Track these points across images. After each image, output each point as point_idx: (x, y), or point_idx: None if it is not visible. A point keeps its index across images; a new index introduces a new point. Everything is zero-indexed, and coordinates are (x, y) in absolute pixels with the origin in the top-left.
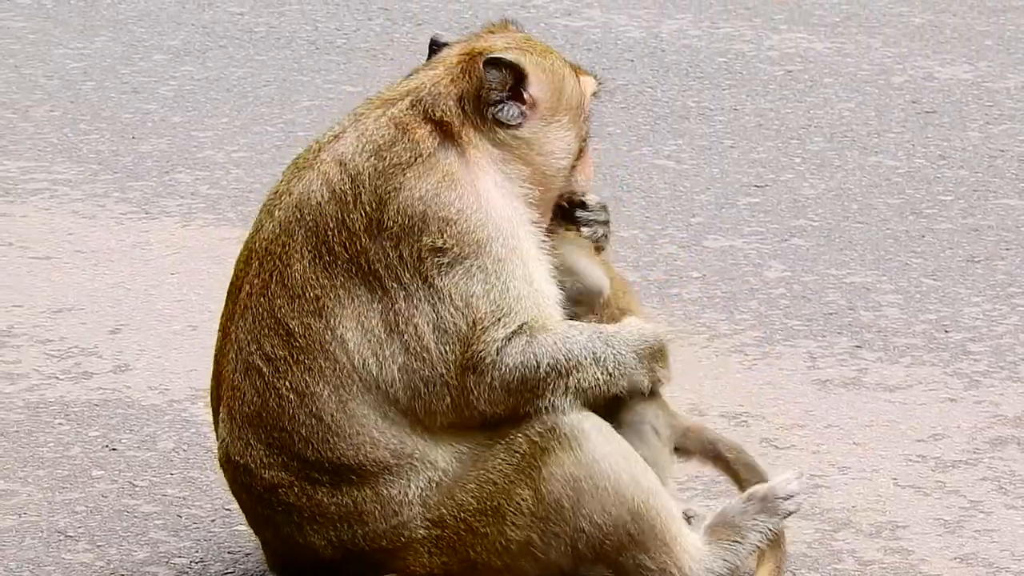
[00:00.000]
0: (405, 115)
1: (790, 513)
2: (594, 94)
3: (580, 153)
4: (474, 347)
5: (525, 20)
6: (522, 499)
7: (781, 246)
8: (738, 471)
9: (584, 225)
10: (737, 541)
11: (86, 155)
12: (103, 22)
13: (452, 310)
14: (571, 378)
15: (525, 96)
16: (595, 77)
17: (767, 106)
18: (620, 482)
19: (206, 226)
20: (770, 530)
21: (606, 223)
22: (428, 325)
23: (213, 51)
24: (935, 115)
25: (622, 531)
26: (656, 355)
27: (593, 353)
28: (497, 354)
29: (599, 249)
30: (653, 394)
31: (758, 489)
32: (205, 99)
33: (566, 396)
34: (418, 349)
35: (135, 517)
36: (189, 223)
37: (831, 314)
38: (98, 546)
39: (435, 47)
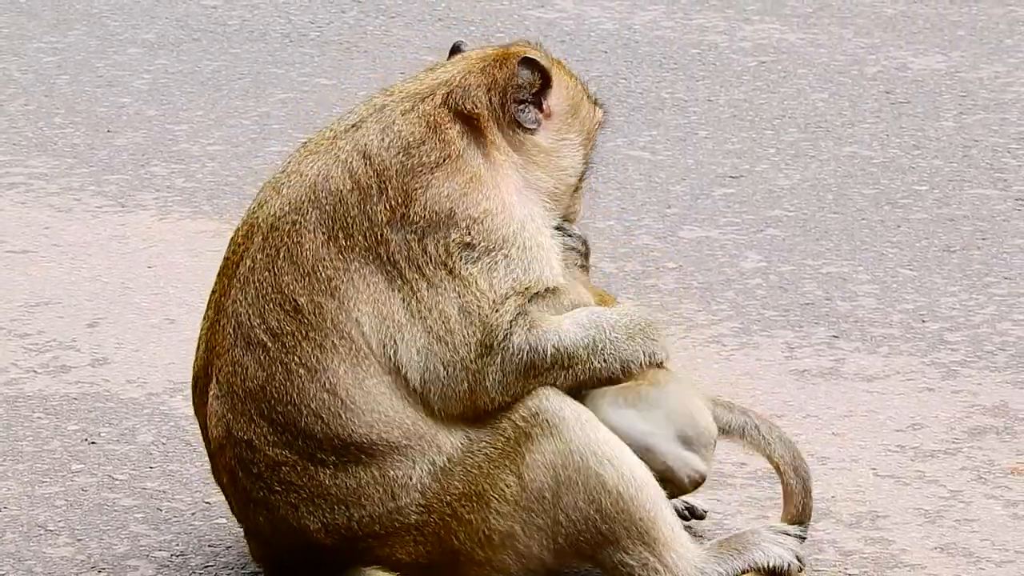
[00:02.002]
0: (438, 112)
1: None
2: (602, 123)
3: (581, 178)
4: (490, 322)
5: (498, 12)
6: (506, 485)
7: (757, 237)
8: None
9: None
10: (737, 550)
11: (61, 149)
12: (77, 16)
13: (478, 294)
14: (571, 371)
15: (544, 105)
16: (604, 111)
17: (741, 97)
18: (595, 476)
19: (182, 219)
20: (775, 556)
21: (585, 255)
22: (454, 308)
23: (187, 44)
24: (909, 105)
25: (596, 527)
26: (647, 331)
27: (593, 341)
28: (509, 328)
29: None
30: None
31: (775, 525)
32: (180, 92)
33: (564, 383)
34: (442, 333)
35: (115, 511)
36: (165, 216)
37: (808, 304)
38: (78, 540)
39: (455, 54)
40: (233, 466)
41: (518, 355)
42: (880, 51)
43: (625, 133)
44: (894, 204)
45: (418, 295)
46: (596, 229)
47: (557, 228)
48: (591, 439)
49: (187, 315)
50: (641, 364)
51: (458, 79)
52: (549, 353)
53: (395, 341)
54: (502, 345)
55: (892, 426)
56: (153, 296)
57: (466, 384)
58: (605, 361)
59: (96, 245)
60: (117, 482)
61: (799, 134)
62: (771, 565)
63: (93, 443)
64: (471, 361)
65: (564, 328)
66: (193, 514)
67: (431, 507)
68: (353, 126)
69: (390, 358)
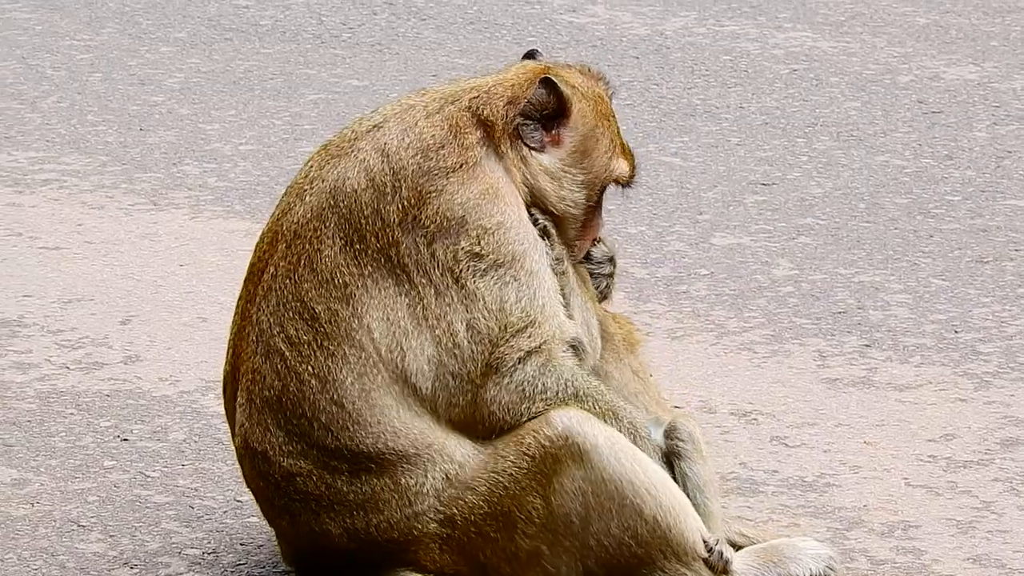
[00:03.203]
0: (460, 115)
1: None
2: (623, 183)
3: (587, 220)
4: (501, 349)
5: (530, 16)
6: (533, 507)
7: (789, 244)
8: None
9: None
10: (773, 562)
11: (94, 146)
12: (109, 13)
13: (486, 312)
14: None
15: (553, 131)
16: (632, 167)
17: (773, 104)
18: (631, 506)
19: (214, 218)
20: (810, 571)
21: (610, 275)
22: (461, 323)
23: (219, 44)
24: (941, 115)
25: (630, 551)
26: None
27: (614, 412)
28: (519, 362)
29: (603, 298)
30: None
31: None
32: (212, 91)
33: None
34: (450, 345)
35: (147, 507)
36: (197, 215)
37: (840, 313)
38: (111, 536)
39: (529, 59)
40: (254, 476)
41: (527, 385)
42: (913, 60)
43: (656, 139)
44: (926, 214)
45: (424, 301)
46: (627, 234)
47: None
48: (627, 468)
49: (219, 314)
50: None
51: (488, 86)
52: (561, 391)
53: (402, 348)
54: (508, 369)
55: (924, 436)
56: (185, 294)
57: (470, 396)
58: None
59: (128, 243)
60: (149, 479)
61: (831, 142)
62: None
63: (125, 440)
64: (477, 376)
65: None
66: (225, 512)
67: (453, 522)
68: (376, 126)
69: (398, 365)
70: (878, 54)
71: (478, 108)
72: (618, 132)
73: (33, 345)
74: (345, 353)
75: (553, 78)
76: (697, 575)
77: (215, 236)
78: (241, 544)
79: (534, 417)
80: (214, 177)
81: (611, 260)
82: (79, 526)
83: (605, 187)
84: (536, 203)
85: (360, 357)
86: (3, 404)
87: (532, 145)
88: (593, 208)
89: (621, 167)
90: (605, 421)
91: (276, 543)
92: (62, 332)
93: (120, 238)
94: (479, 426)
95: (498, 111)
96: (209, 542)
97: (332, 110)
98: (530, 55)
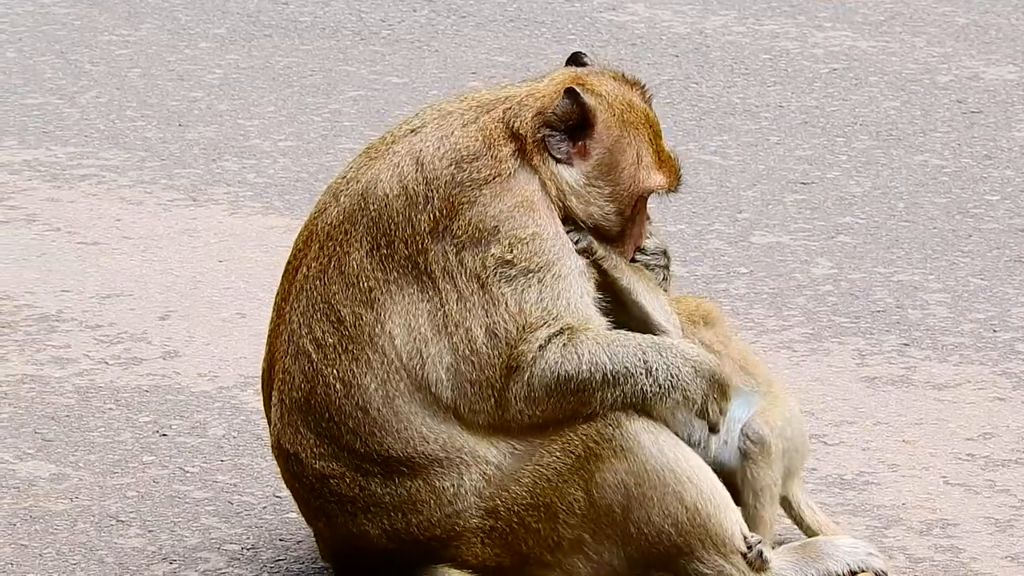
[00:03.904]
0: (495, 127)
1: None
2: (666, 190)
3: (626, 230)
4: (519, 347)
5: (570, 14)
6: (574, 499)
7: (828, 243)
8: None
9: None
10: (812, 558)
11: (133, 142)
12: (148, 9)
13: (506, 316)
14: (620, 388)
15: (579, 143)
16: (677, 178)
17: (812, 103)
18: (672, 494)
19: (253, 214)
20: (848, 566)
21: (665, 267)
22: (481, 328)
23: (258, 40)
24: (981, 115)
25: (670, 539)
26: (714, 383)
27: (644, 362)
28: (539, 350)
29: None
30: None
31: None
32: (251, 88)
33: (616, 406)
34: (467, 352)
35: (186, 503)
36: (236, 211)
37: (879, 312)
38: (150, 531)
39: (573, 62)
40: (288, 477)
41: (550, 373)
42: (952, 60)
43: (696, 137)
44: (965, 213)
45: (446, 308)
46: (667, 232)
47: (638, 248)
48: (670, 458)
49: (258, 310)
50: (696, 407)
51: (521, 96)
52: (584, 370)
53: (422, 356)
54: (528, 363)
55: (963, 435)
56: (224, 290)
57: (492, 400)
58: (659, 385)
59: (167, 238)
60: (188, 474)
61: (870, 141)
62: (845, 574)
63: (164, 435)
64: (496, 380)
65: (608, 346)
66: (264, 508)
67: (496, 513)
68: (413, 131)
69: (418, 373)
70: (917, 54)
71: (510, 120)
72: (653, 139)
73: (72, 340)
74: (368, 358)
75: (577, 88)
76: (735, 567)
77: (254, 232)
78: (280, 540)
79: (578, 409)
80: (253, 173)
81: (664, 253)
82: (118, 521)
83: (640, 198)
84: (569, 215)
85: (383, 363)
86: (42, 399)
87: (558, 156)
88: (630, 219)
89: (652, 180)
90: (638, 376)
91: (314, 540)
92: (100, 327)
93: (159, 233)
94: (512, 426)
95: (527, 123)
96: (248, 538)
97: (371, 107)
98: (574, 58)
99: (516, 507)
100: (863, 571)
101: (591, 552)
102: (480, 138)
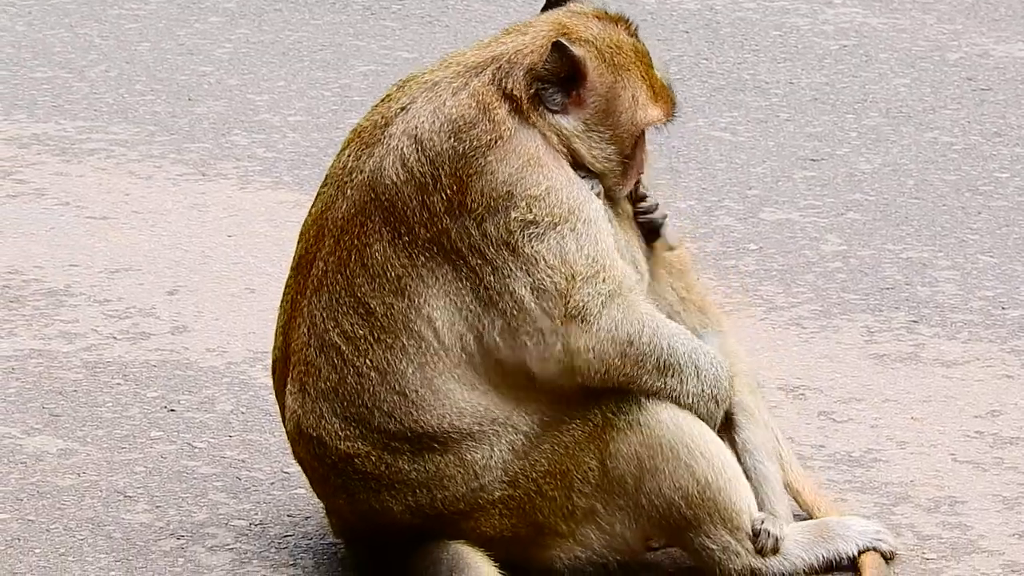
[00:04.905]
0: (485, 90)
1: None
2: (664, 122)
3: (627, 166)
4: (576, 297)
5: None
6: (589, 468)
7: (837, 220)
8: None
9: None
10: (822, 538)
11: (142, 116)
12: None
13: (549, 271)
14: (668, 380)
15: (573, 93)
16: (672, 107)
17: (823, 80)
18: (684, 467)
19: (262, 189)
20: (858, 546)
21: (665, 217)
22: (525, 288)
23: (268, 14)
24: (991, 92)
25: (680, 512)
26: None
27: (696, 364)
28: (603, 306)
29: (657, 237)
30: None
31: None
32: (261, 62)
33: (655, 392)
34: (517, 312)
35: (194, 479)
36: (246, 186)
37: (888, 289)
38: (157, 507)
39: (551, 4)
40: (307, 458)
41: (616, 328)
42: (962, 37)
43: (706, 113)
44: (975, 191)
45: (485, 281)
46: (676, 209)
47: (637, 198)
48: (685, 433)
49: (267, 285)
50: (715, 420)
51: (509, 54)
52: (645, 341)
53: (475, 331)
54: (594, 316)
55: (971, 412)
56: (233, 265)
57: (559, 346)
58: (702, 390)
59: (176, 213)
60: (196, 450)
61: (880, 118)
62: (854, 554)
63: (172, 411)
64: (559, 326)
65: (669, 336)
66: (272, 484)
67: (516, 482)
68: (403, 108)
69: (464, 348)
70: (928, 31)
71: (501, 81)
72: (646, 74)
73: (80, 315)
74: (404, 345)
75: (564, 41)
76: (740, 544)
77: (263, 207)
78: (288, 516)
79: (626, 372)
80: (263, 148)
81: (656, 206)
82: (125, 496)
83: (639, 134)
84: (577, 160)
85: (420, 347)
86: (50, 374)
87: (555, 109)
88: (631, 155)
89: (650, 115)
90: (688, 374)
91: (324, 515)
92: (109, 302)
93: (168, 208)
94: (576, 377)
95: (519, 82)
96: (256, 513)
97: (381, 82)
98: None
99: (534, 474)
100: (872, 551)
101: (603, 523)
102: (473, 104)
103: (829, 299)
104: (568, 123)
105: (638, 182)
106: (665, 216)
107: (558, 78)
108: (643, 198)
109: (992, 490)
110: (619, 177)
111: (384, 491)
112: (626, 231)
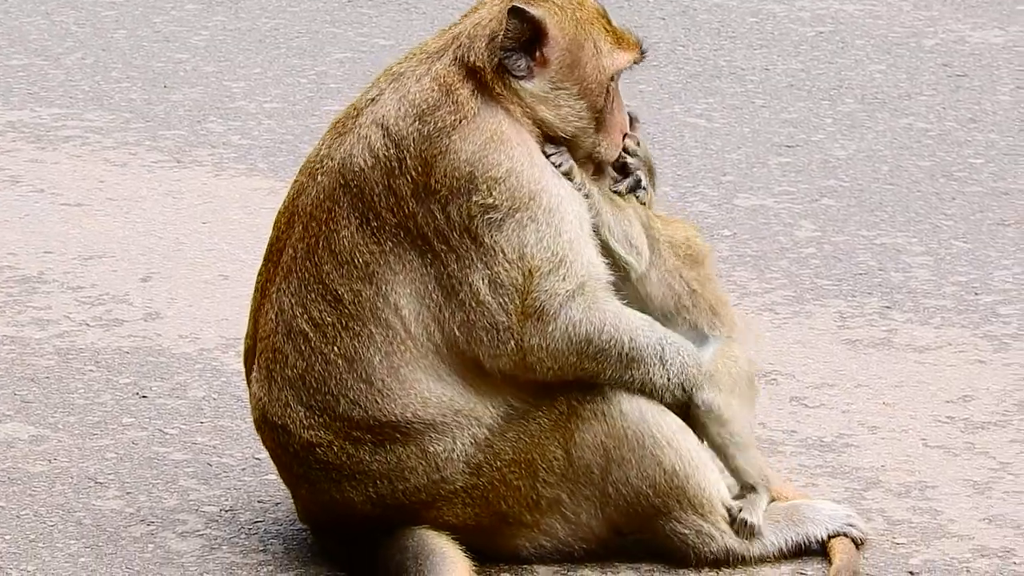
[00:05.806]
0: (447, 71)
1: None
2: (631, 65)
3: (600, 123)
4: (534, 295)
5: None
6: (554, 457)
7: (812, 206)
8: None
9: (624, 173)
10: (794, 521)
11: (118, 103)
12: None
13: (506, 264)
14: (633, 372)
15: (537, 54)
16: (638, 50)
17: (798, 67)
18: (651, 456)
19: (237, 176)
20: (828, 531)
21: (648, 173)
22: (483, 281)
23: (245, 1)
24: (966, 78)
25: (648, 500)
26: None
27: (660, 356)
28: (561, 307)
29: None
30: None
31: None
32: (237, 49)
33: (622, 385)
34: (475, 304)
35: (165, 465)
36: (220, 172)
37: (861, 274)
38: (128, 493)
39: None
40: (272, 446)
41: (572, 329)
42: (938, 24)
43: (682, 100)
44: (949, 177)
45: (448, 269)
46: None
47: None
48: (650, 422)
49: (241, 272)
50: (676, 399)
51: (468, 30)
52: (605, 340)
53: (437, 320)
54: (551, 316)
55: (943, 397)
56: (207, 252)
57: (512, 344)
58: (668, 380)
59: (151, 200)
60: (167, 436)
61: (855, 105)
62: (824, 538)
63: (144, 397)
64: (514, 323)
65: (631, 329)
66: (243, 470)
67: (480, 471)
68: (372, 100)
69: (433, 338)
70: (903, 17)
71: (463, 56)
72: (606, 24)
73: (53, 301)
74: (371, 332)
75: (520, 5)
76: (713, 526)
77: (238, 194)
78: (259, 502)
79: (584, 368)
80: (238, 135)
81: (648, 164)
82: (96, 483)
83: (608, 83)
84: (546, 133)
85: (387, 335)
86: (22, 360)
87: (520, 74)
88: (606, 109)
89: (617, 60)
90: (651, 365)
91: (293, 502)
92: (82, 288)
93: (142, 195)
94: (529, 373)
95: (481, 54)
96: (226, 499)
97: (358, 69)
98: None
99: (499, 463)
100: (842, 536)
101: (569, 512)
102: (436, 87)
103: (802, 285)
104: (535, 86)
105: (626, 148)
106: (640, 170)
107: (520, 43)
108: (632, 152)
109: (963, 475)
110: (595, 135)
111: (345, 481)
112: (616, 202)
